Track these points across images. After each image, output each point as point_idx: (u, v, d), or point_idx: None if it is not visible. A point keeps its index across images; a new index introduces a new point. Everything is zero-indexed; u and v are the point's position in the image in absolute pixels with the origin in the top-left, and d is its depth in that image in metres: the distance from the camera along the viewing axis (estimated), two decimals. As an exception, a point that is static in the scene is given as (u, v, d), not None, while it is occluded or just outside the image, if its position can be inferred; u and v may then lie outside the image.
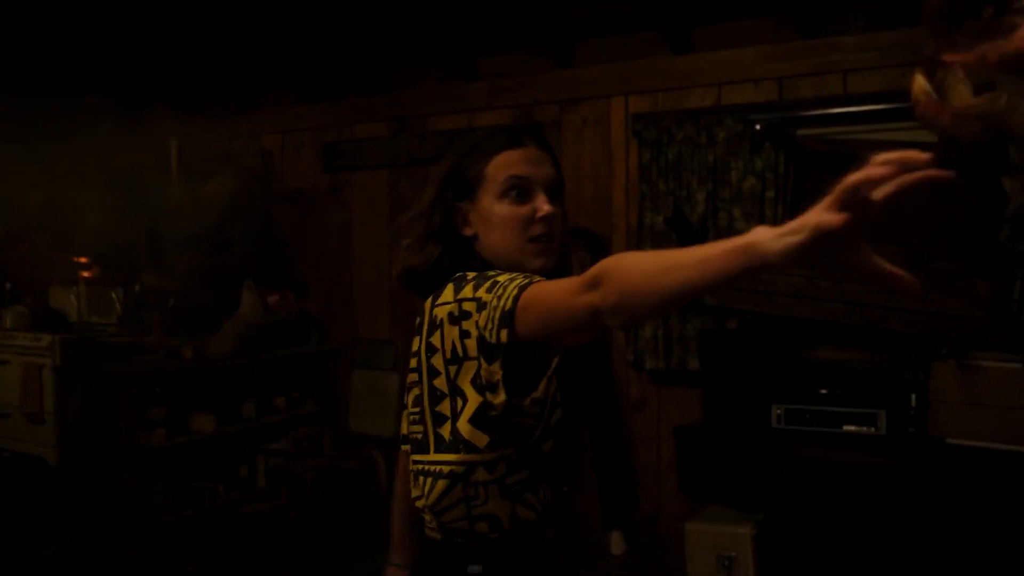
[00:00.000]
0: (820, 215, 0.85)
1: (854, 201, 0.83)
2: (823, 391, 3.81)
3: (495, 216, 1.44)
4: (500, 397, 1.29)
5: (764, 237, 0.89)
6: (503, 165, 1.44)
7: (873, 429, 3.68)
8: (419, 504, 1.45)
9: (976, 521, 3.26)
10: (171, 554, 4.43)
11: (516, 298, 1.21)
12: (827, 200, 0.85)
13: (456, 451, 1.35)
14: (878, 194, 0.83)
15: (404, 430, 1.59)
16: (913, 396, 3.66)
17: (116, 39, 5.02)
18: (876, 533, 3.45)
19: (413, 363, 1.46)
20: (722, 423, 4.03)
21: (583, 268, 3.89)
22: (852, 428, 3.72)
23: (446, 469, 1.36)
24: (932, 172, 0.83)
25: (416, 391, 1.44)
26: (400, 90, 5.46)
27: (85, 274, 6.15)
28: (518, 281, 1.25)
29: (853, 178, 0.83)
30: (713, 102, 4.43)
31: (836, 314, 3.99)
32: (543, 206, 1.43)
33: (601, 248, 4.41)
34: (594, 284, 1.08)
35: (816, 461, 3.68)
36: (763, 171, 4.21)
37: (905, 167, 0.83)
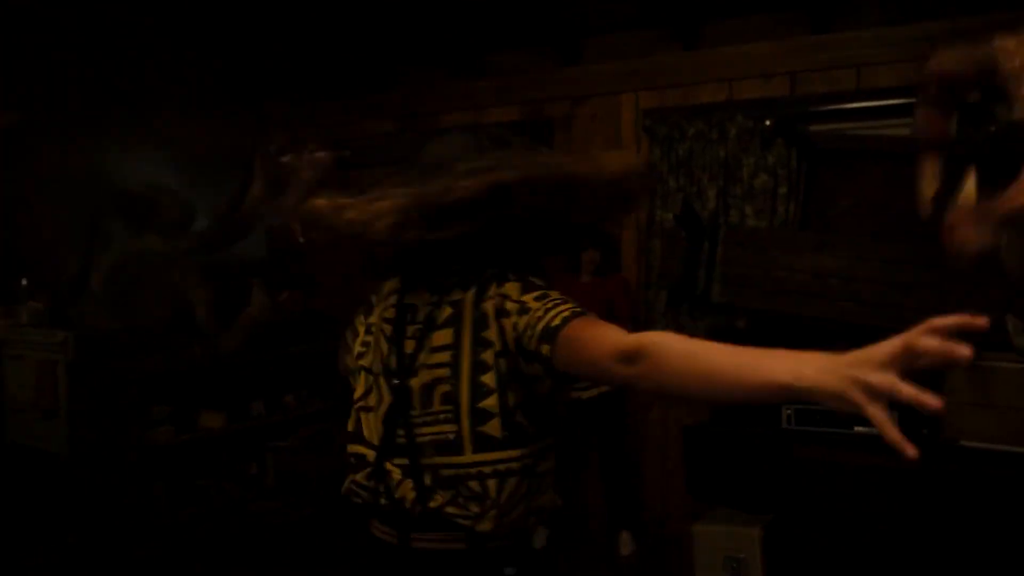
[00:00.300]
0: (863, 399, 0.88)
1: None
2: (834, 391, 3.73)
3: None
4: (545, 387, 1.34)
5: (809, 390, 0.93)
6: None
7: (885, 430, 3.59)
8: (471, 512, 1.37)
9: (990, 525, 3.19)
10: (178, 553, 4.42)
11: (567, 319, 1.24)
12: (878, 359, 0.88)
13: (518, 445, 1.35)
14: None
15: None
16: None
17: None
18: (887, 536, 3.38)
19: (441, 358, 1.40)
20: (730, 423, 3.97)
21: (593, 265, 3.83)
22: (863, 429, 3.63)
23: (516, 466, 1.35)
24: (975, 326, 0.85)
25: (445, 387, 1.38)
26: (408, 87, 5.43)
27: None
28: (570, 305, 1.28)
29: (912, 348, 0.85)
30: (724, 98, 4.37)
31: (848, 313, 3.92)
32: None
33: (609, 245, 4.37)
34: (632, 360, 1.12)
35: (826, 462, 3.61)
36: (775, 167, 4.14)
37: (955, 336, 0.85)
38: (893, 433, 0.87)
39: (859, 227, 4.02)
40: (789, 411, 3.77)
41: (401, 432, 1.43)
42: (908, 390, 0.85)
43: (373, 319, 1.55)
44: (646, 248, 4.48)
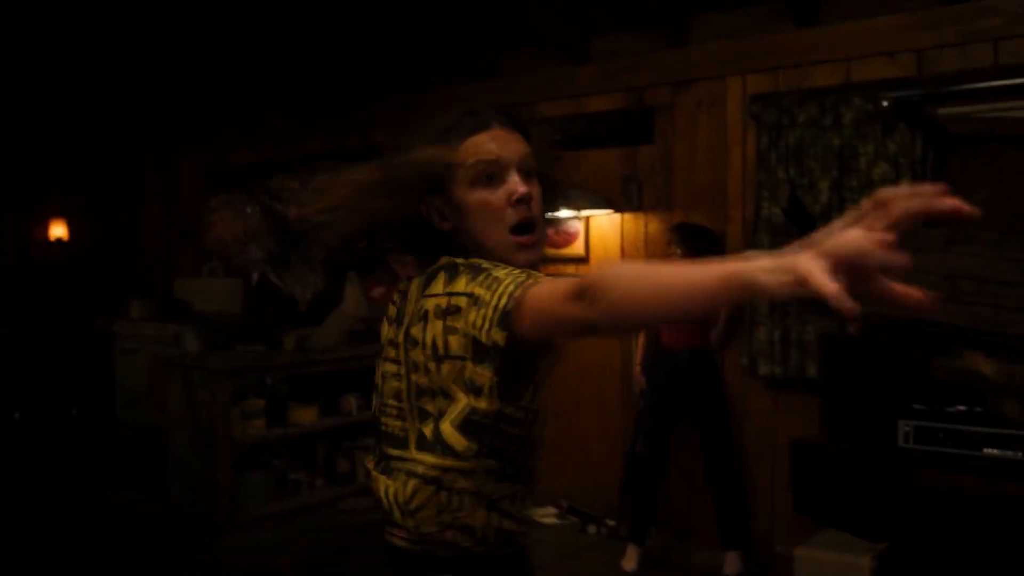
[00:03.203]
0: (807, 267, 0.77)
1: (850, 271, 0.77)
2: (960, 408, 3.31)
3: (469, 205, 1.37)
4: (487, 402, 1.23)
5: (758, 271, 0.83)
6: (469, 151, 1.37)
7: (1020, 454, 3.16)
8: (386, 499, 1.35)
9: None
10: (265, 546, 4.41)
11: (517, 298, 1.14)
12: (823, 250, 0.77)
13: (435, 453, 1.28)
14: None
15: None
16: (1072, 417, 3.12)
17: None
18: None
19: (392, 353, 1.38)
20: (843, 439, 3.60)
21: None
22: (994, 452, 3.21)
23: (420, 470, 1.30)
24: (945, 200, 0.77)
25: (395, 384, 1.37)
26: (509, 76, 5.25)
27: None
28: (517, 278, 1.18)
29: (852, 248, 0.76)
30: (841, 79, 3.96)
31: (982, 319, 3.49)
32: (518, 187, 1.36)
33: (710, 244, 4.05)
34: (582, 296, 1.04)
35: (949, 488, 3.22)
36: (896, 156, 3.73)
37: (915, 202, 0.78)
38: (893, 288, 0.79)
39: (996, 222, 3.56)
40: (907, 428, 3.38)
41: (378, 421, 1.44)
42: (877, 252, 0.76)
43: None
44: (752, 244, 4.13)
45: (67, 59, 5.72)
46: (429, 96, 5.60)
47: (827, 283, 0.75)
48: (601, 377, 4.82)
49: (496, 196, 1.35)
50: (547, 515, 4.83)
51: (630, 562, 4.11)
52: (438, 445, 1.28)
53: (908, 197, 0.77)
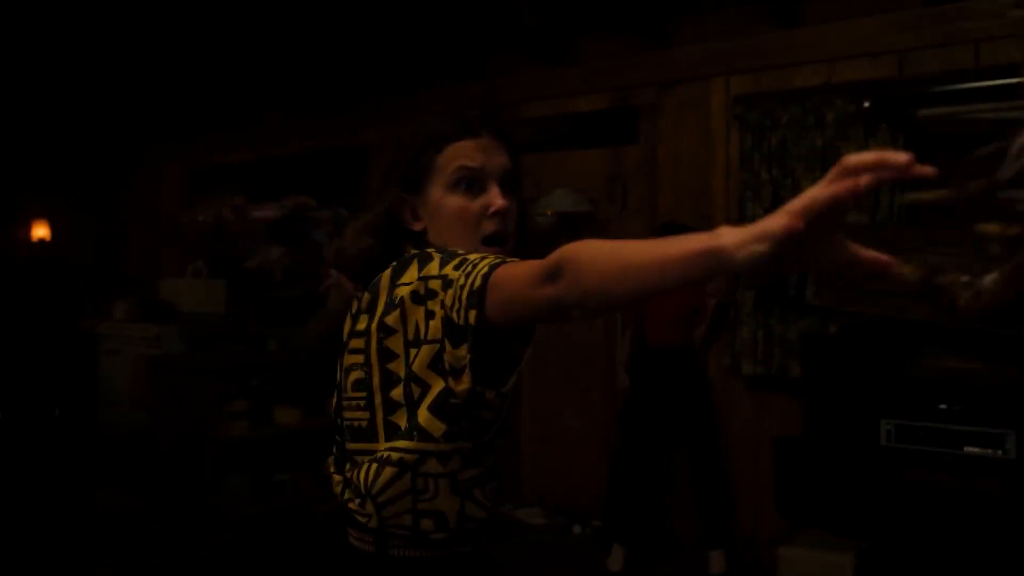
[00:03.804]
0: (781, 222, 0.79)
1: (819, 214, 0.79)
2: (941, 406, 3.34)
3: (445, 209, 1.37)
4: (464, 384, 1.20)
5: (729, 243, 0.83)
6: (454, 155, 1.36)
7: (1000, 452, 3.19)
8: (353, 496, 1.33)
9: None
10: (249, 547, 4.40)
11: (486, 276, 1.12)
12: (791, 208, 0.80)
13: (409, 439, 1.27)
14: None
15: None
16: (1051, 415, 3.15)
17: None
18: (995, 572, 2.98)
19: (357, 344, 1.35)
20: (826, 438, 3.62)
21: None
22: (975, 450, 3.24)
23: (395, 456, 1.27)
24: (911, 168, 0.78)
25: (358, 374, 1.34)
26: (494, 77, 5.25)
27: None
28: (489, 260, 1.16)
29: (821, 194, 0.78)
30: (823, 80, 3.99)
31: (959, 317, 3.51)
32: (496, 200, 1.36)
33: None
34: (553, 276, 1.02)
35: (930, 486, 3.25)
36: (878, 156, 3.74)
37: (881, 170, 0.78)
38: (865, 253, 0.83)
39: (975, 222, 3.59)
40: (889, 427, 3.41)
41: (339, 417, 1.42)
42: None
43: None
44: (736, 244, 4.14)
45: (50, 58, 5.69)
46: (414, 96, 5.60)
47: (792, 223, 0.78)
48: (586, 377, 4.83)
49: (473, 204, 1.35)
50: (533, 515, 4.83)
51: (615, 562, 4.12)
52: (413, 431, 1.27)
53: (875, 166, 0.78)
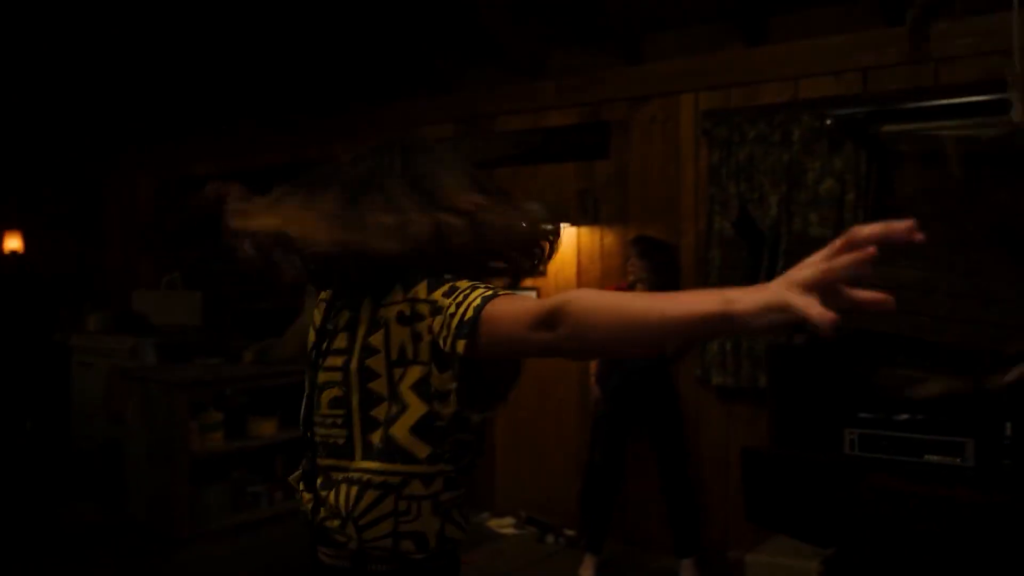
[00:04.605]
0: (799, 301, 0.82)
1: (829, 289, 0.83)
2: (903, 416, 3.42)
3: None
4: (450, 408, 1.24)
5: (743, 311, 0.86)
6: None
7: (959, 460, 3.27)
8: (330, 516, 1.34)
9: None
10: (224, 559, 4.40)
11: (479, 309, 1.14)
12: (804, 279, 0.84)
13: (391, 460, 1.28)
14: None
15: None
16: (1008, 425, 3.23)
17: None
18: (957, 578, 3.05)
19: (334, 362, 1.36)
20: (791, 447, 3.69)
21: (647, 276, 3.59)
22: (935, 458, 3.31)
23: (377, 479, 1.29)
24: (913, 234, 0.83)
25: (335, 392, 1.36)
26: (469, 90, 5.31)
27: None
28: (480, 291, 1.18)
29: (838, 267, 0.83)
30: (790, 97, 4.08)
31: (924, 329, 3.61)
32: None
33: (667, 258, 4.15)
34: (550, 324, 1.04)
35: (893, 493, 3.30)
36: (843, 172, 3.84)
37: (888, 238, 0.83)
38: (857, 295, 0.84)
39: (937, 236, 3.69)
40: (853, 436, 3.48)
41: (308, 432, 1.43)
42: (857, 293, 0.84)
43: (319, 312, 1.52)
44: (704, 258, 4.22)
45: (21, 69, 5.68)
46: (389, 108, 5.65)
47: (808, 304, 0.81)
48: (559, 388, 4.88)
49: None
50: (505, 525, 4.87)
51: (587, 571, 4.16)
52: (391, 451, 1.28)
53: (882, 236, 0.82)
